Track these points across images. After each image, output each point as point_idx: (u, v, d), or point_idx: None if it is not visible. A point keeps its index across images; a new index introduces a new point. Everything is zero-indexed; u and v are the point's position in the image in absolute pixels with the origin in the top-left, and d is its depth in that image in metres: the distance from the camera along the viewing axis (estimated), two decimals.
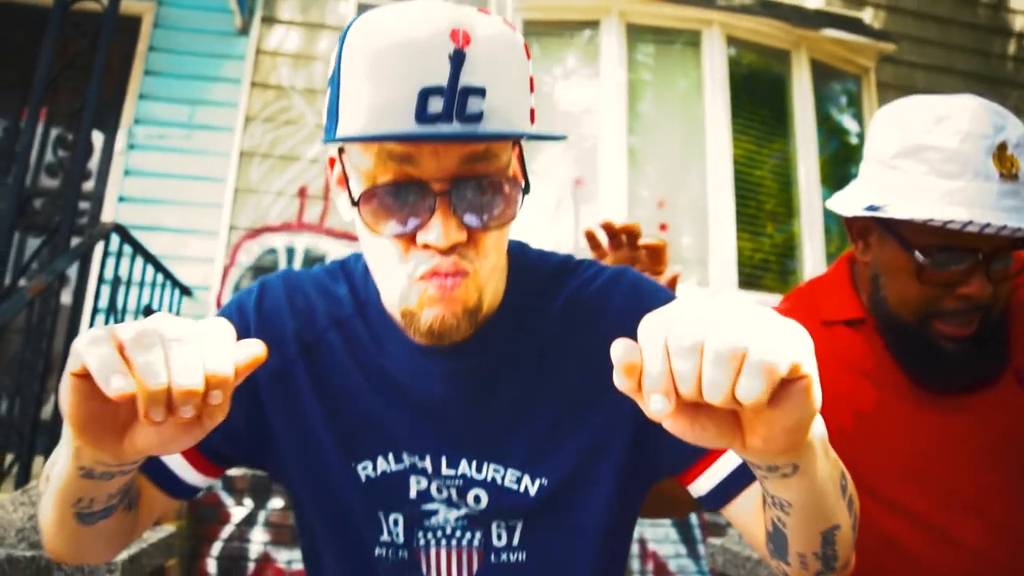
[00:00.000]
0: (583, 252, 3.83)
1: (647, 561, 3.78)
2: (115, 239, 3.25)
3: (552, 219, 4.30)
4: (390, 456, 0.88)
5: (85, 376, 0.55)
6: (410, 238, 0.73)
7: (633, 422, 0.86)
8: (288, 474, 0.92)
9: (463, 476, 0.87)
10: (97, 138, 4.26)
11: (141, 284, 3.47)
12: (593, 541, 0.89)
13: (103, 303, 3.29)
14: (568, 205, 4.34)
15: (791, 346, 0.49)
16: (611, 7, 4.49)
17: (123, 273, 3.41)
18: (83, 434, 0.59)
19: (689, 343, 0.49)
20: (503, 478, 0.87)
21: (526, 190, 0.77)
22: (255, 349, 0.57)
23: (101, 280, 3.31)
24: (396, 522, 0.89)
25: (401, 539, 0.89)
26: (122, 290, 3.39)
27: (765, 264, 4.45)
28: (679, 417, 0.53)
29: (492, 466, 0.87)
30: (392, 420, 0.88)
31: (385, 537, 0.89)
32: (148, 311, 3.45)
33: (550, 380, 0.87)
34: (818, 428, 0.59)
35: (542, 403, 0.87)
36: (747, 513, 0.84)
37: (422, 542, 0.89)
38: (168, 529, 2.44)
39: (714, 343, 0.48)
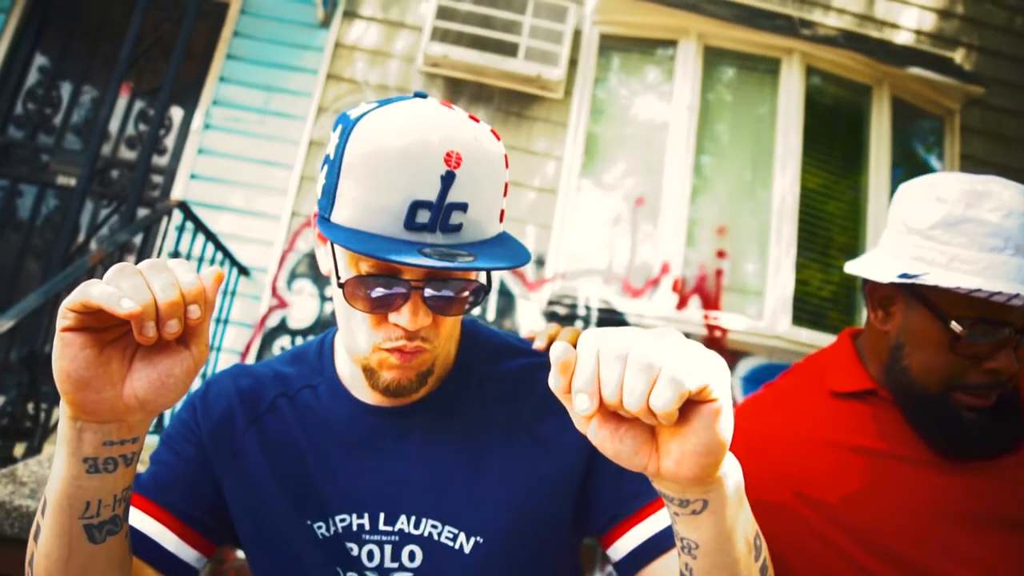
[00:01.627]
0: (638, 271, 3.74)
1: None
2: (178, 215, 3.37)
3: (609, 236, 4.27)
4: (335, 517, 0.91)
5: (76, 328, 0.63)
6: (382, 315, 0.82)
7: (568, 484, 0.91)
8: (246, 544, 0.96)
9: (400, 532, 0.90)
10: (177, 115, 4.42)
11: (201, 259, 3.58)
12: None
13: None
14: (627, 224, 4.30)
15: (704, 370, 0.56)
16: (690, 28, 4.44)
17: (188, 248, 3.54)
18: (84, 388, 0.65)
19: (617, 352, 0.56)
20: (440, 534, 0.90)
21: (487, 290, 0.85)
22: (213, 271, 0.68)
23: (161, 251, 3.43)
24: None
25: None
26: None
27: (832, 300, 4.33)
28: (603, 424, 0.60)
29: (430, 522, 0.90)
30: (335, 480, 0.92)
31: None
32: None
33: (492, 443, 0.93)
34: (732, 472, 0.65)
35: (482, 464, 0.91)
36: None
37: None
38: None
39: (637, 355, 0.55)
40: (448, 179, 0.76)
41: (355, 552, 0.90)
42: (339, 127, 0.81)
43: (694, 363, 0.55)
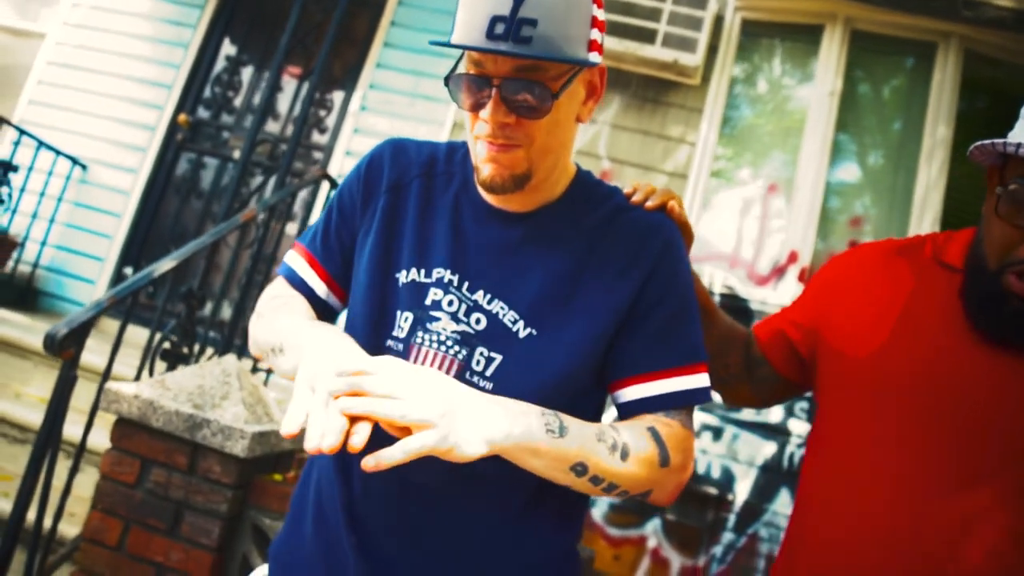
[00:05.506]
0: (765, 259, 3.69)
1: None
2: (325, 185, 3.74)
3: (738, 221, 4.24)
4: (422, 270, 1.14)
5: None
6: (476, 113, 1.03)
7: (616, 321, 1.09)
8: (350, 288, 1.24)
9: (475, 302, 1.11)
10: (338, 97, 4.86)
11: None
12: (548, 397, 1.07)
13: None
14: (757, 210, 4.25)
15: (414, 412, 0.84)
16: (838, 12, 4.30)
17: None
18: None
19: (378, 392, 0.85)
20: (504, 315, 1.10)
21: (556, 96, 1.00)
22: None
23: (309, 218, 3.83)
24: (407, 319, 1.13)
25: (404, 334, 1.13)
26: None
27: None
28: None
29: (500, 303, 1.10)
30: (441, 245, 1.14)
31: (396, 332, 1.14)
32: None
33: (574, 261, 1.12)
34: (507, 443, 0.91)
35: (560, 275, 1.11)
36: None
37: (418, 340, 1.12)
38: None
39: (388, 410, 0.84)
40: None
41: (439, 296, 1.12)
42: None
43: (413, 410, 0.84)
